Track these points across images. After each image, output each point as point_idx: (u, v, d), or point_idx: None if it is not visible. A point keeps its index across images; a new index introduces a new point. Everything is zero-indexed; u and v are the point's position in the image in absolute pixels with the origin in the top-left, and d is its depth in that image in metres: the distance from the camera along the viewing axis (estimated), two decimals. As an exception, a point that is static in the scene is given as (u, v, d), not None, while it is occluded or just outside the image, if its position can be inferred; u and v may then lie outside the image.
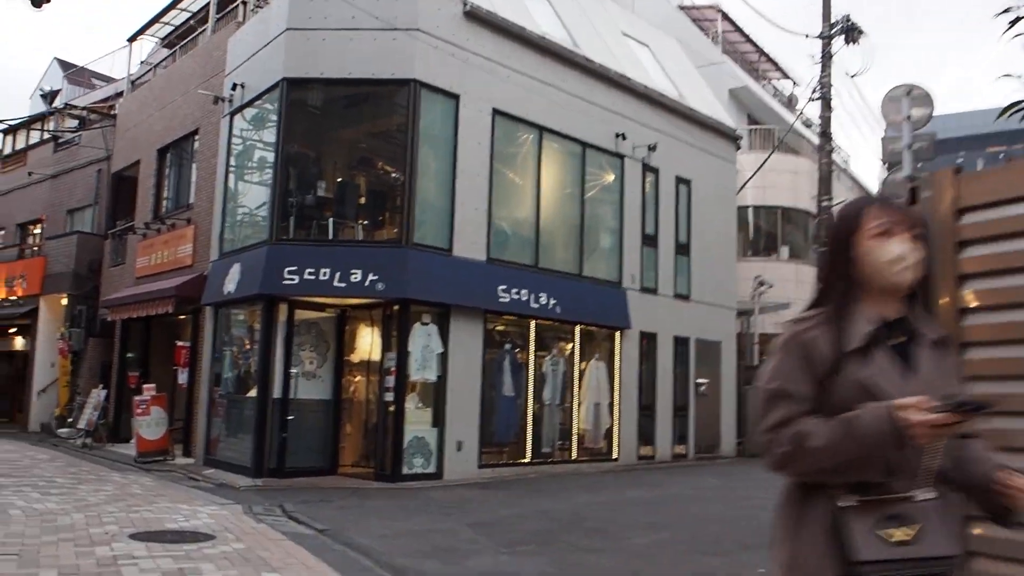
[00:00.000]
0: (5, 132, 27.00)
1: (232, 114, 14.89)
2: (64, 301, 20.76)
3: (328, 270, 12.46)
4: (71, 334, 20.08)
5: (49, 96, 30.76)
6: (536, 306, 14.24)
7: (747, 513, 10.26)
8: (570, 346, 15.30)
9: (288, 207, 13.28)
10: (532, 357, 14.49)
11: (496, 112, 14.09)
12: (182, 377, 15.94)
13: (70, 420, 19.37)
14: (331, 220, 13.30)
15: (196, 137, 16.99)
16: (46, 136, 24.71)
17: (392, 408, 12.52)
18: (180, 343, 16.10)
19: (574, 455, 15.12)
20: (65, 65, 32.19)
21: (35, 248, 23.01)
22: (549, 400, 14.75)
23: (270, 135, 13.93)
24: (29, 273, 21.85)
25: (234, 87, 14.71)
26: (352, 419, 13.98)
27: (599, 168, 16.20)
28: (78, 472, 13.05)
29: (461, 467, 13.09)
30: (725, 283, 19.21)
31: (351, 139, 14.97)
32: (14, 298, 22.23)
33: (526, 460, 14.27)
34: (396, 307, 12.77)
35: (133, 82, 21.32)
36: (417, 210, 12.85)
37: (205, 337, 14.90)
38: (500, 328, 14.36)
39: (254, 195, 14.60)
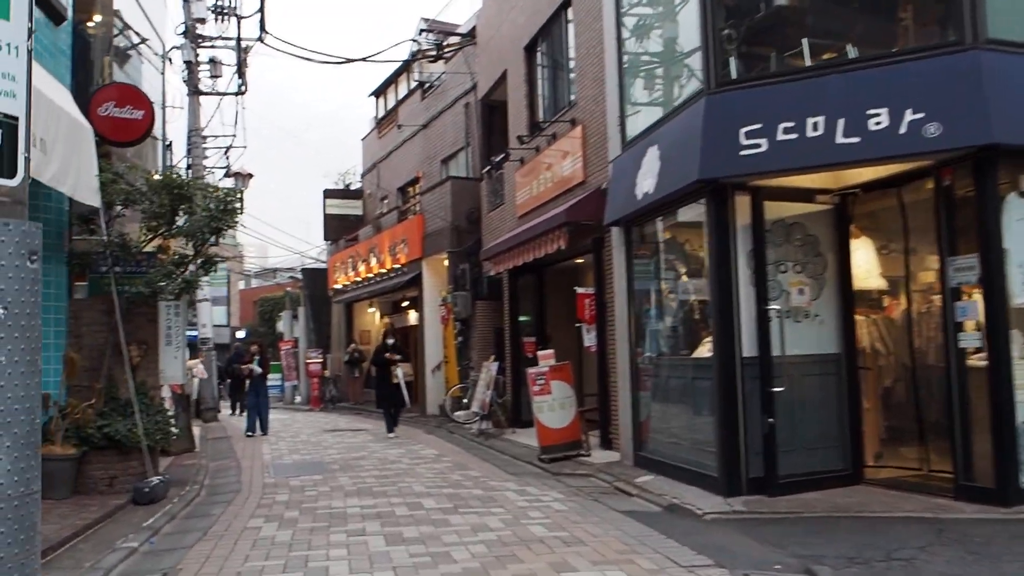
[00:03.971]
0: (376, 95, 25.15)
1: (616, -65, 9.80)
2: (445, 261, 17.54)
3: (821, 119, 6.79)
4: (455, 299, 16.72)
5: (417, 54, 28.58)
6: None
7: None
8: None
9: (727, 35, 7.79)
10: None
11: None
12: (589, 338, 11.37)
13: (465, 400, 16.03)
14: (805, 40, 7.57)
15: (569, 8, 12.31)
16: (412, 85, 22.12)
17: (976, 361, 6.52)
18: (581, 290, 11.52)
19: None
20: (430, 22, 30.23)
21: (414, 207, 20.36)
22: None
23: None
24: (409, 236, 19.10)
25: None
26: (870, 385, 8.18)
27: None
28: (460, 482, 8.92)
29: (1124, 470, 6.66)
30: None
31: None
32: (398, 266, 19.71)
33: None
34: (957, 171, 6.71)
35: (489, -13, 17.44)
36: (985, -23, 6.60)
37: (615, 275, 10.05)
38: None
39: (666, 37, 9.41)
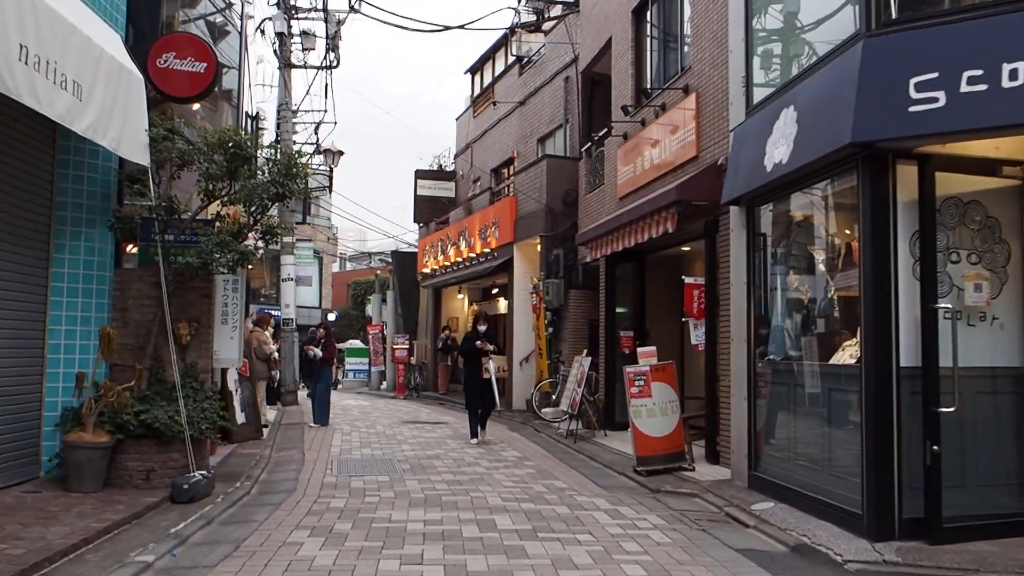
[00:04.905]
0: (472, 72, 24.09)
1: None
2: (538, 246, 16.32)
3: (1021, 65, 5.25)
4: (547, 287, 15.49)
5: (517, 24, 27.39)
6: None
7: None
8: None
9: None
10: None
11: None
12: (696, 335, 9.95)
13: (554, 397, 14.80)
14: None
15: (686, -40, 10.89)
16: (510, 61, 20.93)
17: None
18: (689, 280, 10.12)
19: None
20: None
21: (507, 188, 19.20)
22: None
23: None
24: (501, 218, 17.96)
25: None
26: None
27: None
28: (543, 495, 7.70)
29: None
30: None
31: None
32: (488, 250, 18.60)
33: None
34: None
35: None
36: None
37: (732, 263, 8.61)
38: None
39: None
